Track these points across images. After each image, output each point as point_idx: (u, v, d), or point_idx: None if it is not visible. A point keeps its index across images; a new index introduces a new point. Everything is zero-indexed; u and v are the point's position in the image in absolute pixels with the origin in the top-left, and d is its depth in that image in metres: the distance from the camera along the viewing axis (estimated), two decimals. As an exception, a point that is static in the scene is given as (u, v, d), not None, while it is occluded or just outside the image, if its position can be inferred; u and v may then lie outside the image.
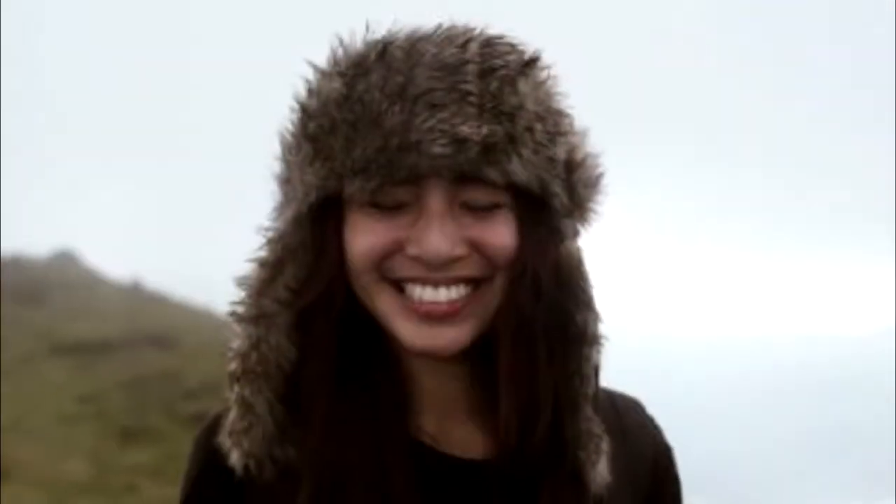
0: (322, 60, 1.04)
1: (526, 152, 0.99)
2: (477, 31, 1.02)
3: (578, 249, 1.08)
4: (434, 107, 0.96)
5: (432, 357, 1.04)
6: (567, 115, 1.05)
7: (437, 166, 0.97)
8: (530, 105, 1.00)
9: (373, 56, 1.00)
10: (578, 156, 1.05)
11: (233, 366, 1.07)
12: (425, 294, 1.01)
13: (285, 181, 1.07)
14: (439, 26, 1.02)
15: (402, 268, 1.01)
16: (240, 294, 1.08)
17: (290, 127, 1.05)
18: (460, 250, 1.00)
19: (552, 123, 1.02)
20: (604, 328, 1.08)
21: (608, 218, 1.09)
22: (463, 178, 0.98)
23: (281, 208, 1.08)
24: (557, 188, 1.03)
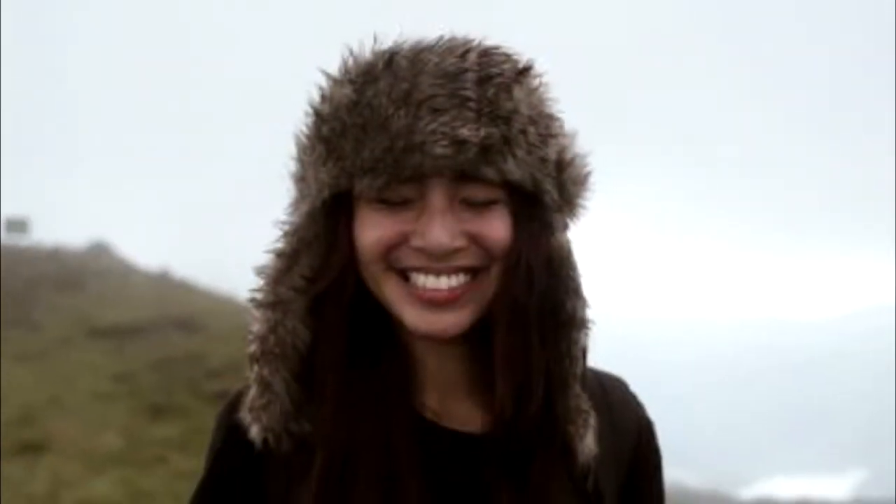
0: (334, 69, 1.04)
1: (520, 153, 0.99)
2: (475, 42, 1.02)
3: (568, 241, 1.08)
4: (436, 111, 0.96)
5: (435, 340, 1.04)
6: (557, 119, 1.05)
7: (439, 166, 0.97)
8: (524, 110, 1.00)
9: (380, 65, 1.00)
10: (568, 156, 1.05)
11: (252, 348, 1.07)
12: (428, 282, 1.01)
13: (300, 179, 1.07)
14: (441, 38, 1.02)
15: (407, 258, 1.01)
16: (259, 282, 1.08)
17: (304, 130, 1.05)
18: (460, 242, 1.00)
19: (544, 126, 1.02)
20: (591, 313, 1.08)
21: (602, 213, 1.09)
22: (463, 176, 0.98)
23: (296, 204, 1.08)
24: (549, 186, 1.03)
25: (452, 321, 1.02)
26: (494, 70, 1.00)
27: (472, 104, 0.97)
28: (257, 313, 1.08)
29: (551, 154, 1.03)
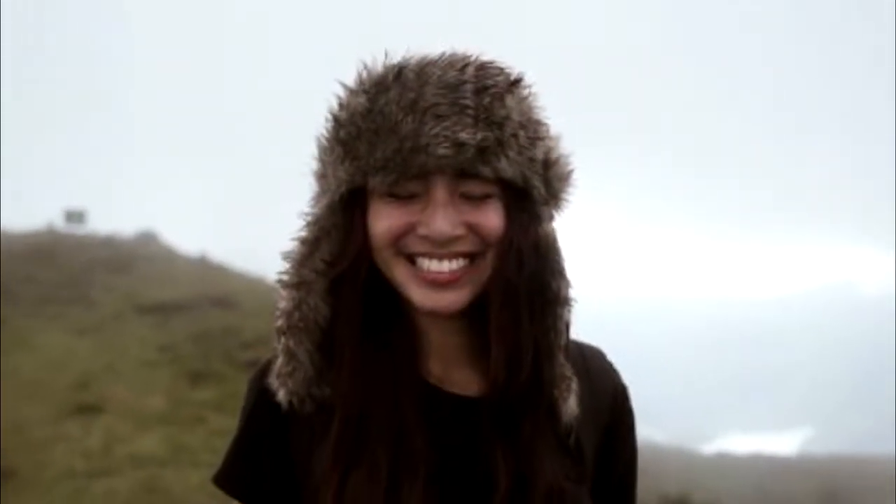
0: (350, 80, 1.04)
1: (512, 153, 0.99)
2: (473, 57, 1.02)
3: (553, 230, 1.08)
4: (439, 117, 0.97)
5: (438, 315, 1.04)
6: (544, 124, 1.05)
7: (442, 165, 0.97)
8: (515, 116, 1.00)
9: (390, 77, 1.00)
10: (553, 156, 1.05)
11: (280, 322, 1.08)
12: (432, 265, 1.01)
13: (321, 176, 1.07)
14: (443, 53, 1.02)
15: (413, 245, 1.02)
16: (285, 265, 1.08)
17: (324, 133, 1.05)
18: (460, 231, 1.00)
19: (532, 130, 1.02)
20: (574, 292, 1.09)
21: (583, 205, 1.09)
22: (462, 174, 0.99)
23: (318, 198, 1.08)
24: (537, 182, 1.03)
25: (453, 299, 1.02)
26: (489, 81, 1.00)
27: (470, 111, 0.98)
28: (284, 292, 1.08)
29: (539, 154, 1.03)
